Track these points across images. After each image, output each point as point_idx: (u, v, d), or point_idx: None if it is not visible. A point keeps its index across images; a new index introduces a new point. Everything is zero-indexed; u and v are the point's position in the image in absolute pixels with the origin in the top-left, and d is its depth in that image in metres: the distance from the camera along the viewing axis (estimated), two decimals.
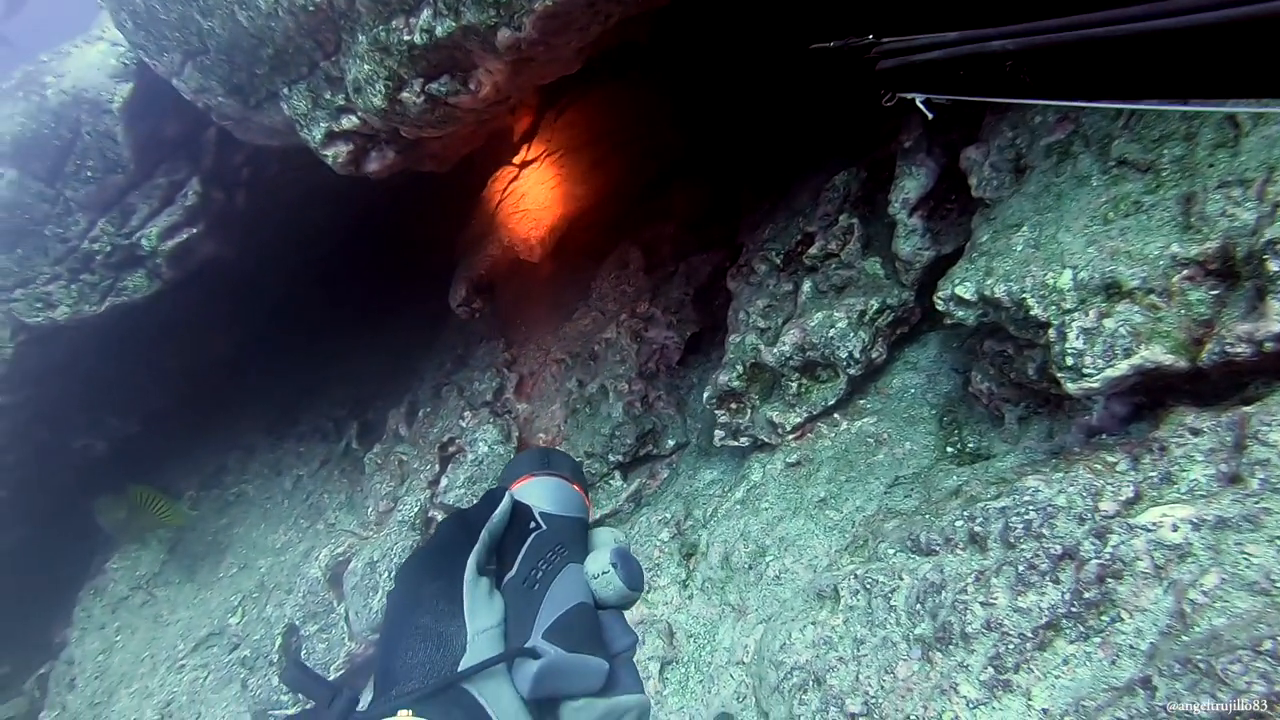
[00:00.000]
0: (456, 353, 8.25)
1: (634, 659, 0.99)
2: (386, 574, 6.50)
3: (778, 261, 5.29)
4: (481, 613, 0.90)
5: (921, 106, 3.41)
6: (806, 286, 5.00)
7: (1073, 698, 2.39)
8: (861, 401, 4.79)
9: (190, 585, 9.80)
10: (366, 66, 4.11)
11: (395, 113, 4.23)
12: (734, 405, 5.18)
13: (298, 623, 7.18)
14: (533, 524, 1.06)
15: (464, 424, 6.83)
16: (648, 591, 5.29)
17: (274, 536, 8.95)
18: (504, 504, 1.04)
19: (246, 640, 8.01)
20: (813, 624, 3.79)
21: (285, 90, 4.65)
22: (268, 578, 8.45)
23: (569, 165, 7.95)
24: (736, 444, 5.28)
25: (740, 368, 5.08)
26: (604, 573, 1.01)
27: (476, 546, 0.97)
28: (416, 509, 6.58)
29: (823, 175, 5.44)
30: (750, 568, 4.66)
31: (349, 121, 4.58)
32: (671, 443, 6.23)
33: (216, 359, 10.24)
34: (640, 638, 5.01)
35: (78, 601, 11.41)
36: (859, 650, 3.35)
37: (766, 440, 5.06)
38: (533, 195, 7.79)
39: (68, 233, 6.33)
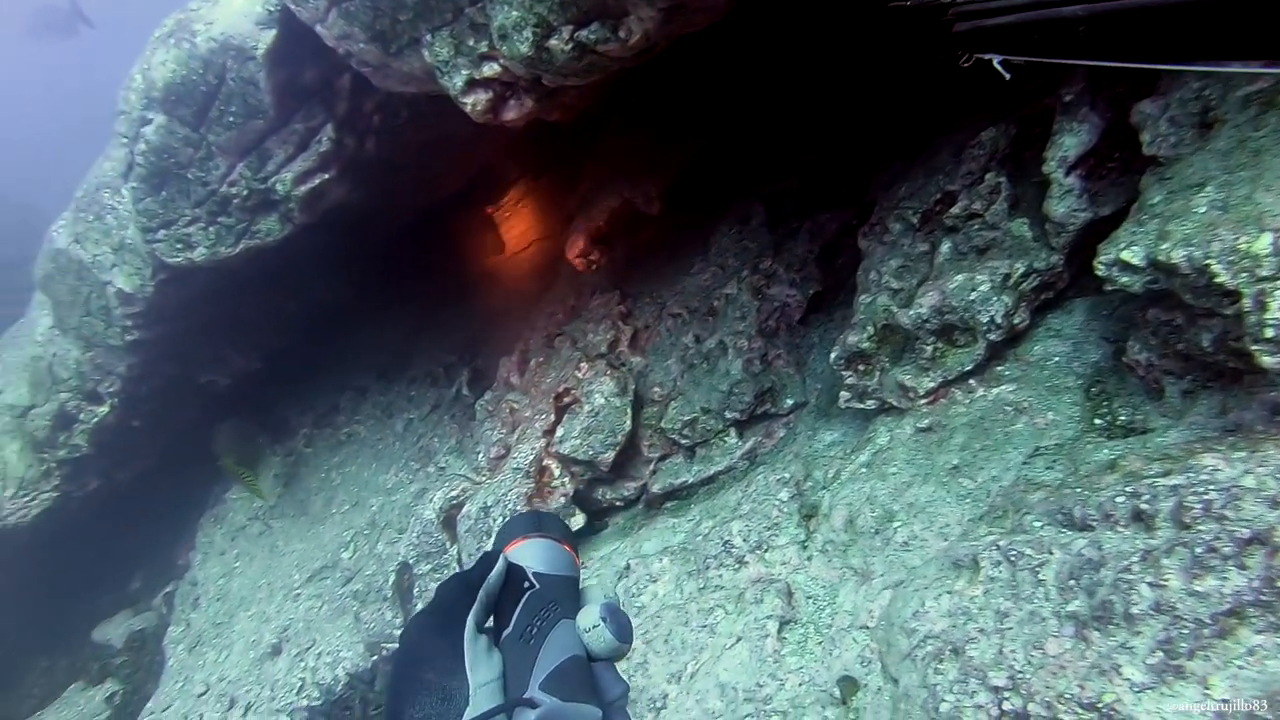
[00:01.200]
0: (569, 303, 8.29)
1: (626, 707, 1.07)
2: (500, 519, 6.65)
3: (914, 221, 5.12)
4: (482, 667, 0.99)
5: (999, 67, 3.43)
6: (945, 247, 4.83)
7: (1261, 690, 2.28)
8: (1000, 368, 4.63)
9: (304, 519, 10.24)
10: (515, 13, 4.09)
11: (541, 60, 4.21)
12: (862, 367, 5.08)
13: (410, 561, 7.43)
14: (527, 583, 1.14)
15: (580, 375, 6.88)
16: (765, 551, 5.29)
17: (385, 477, 9.25)
18: (499, 566, 1.13)
19: (359, 575, 8.34)
20: (948, 593, 3.72)
21: (428, 37, 4.68)
22: (379, 516, 8.76)
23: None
24: (862, 406, 5.19)
25: (871, 329, 4.96)
26: (595, 626, 1.09)
27: (475, 606, 1.05)
28: (531, 457, 6.69)
29: (965, 132, 5.22)
30: (876, 532, 4.59)
31: (490, 69, 4.59)
32: (790, 402, 6.16)
33: (333, 301, 10.57)
34: (759, 597, 5.03)
35: (200, 528, 12.08)
36: (1002, 623, 3.26)
37: (895, 404, 4.95)
38: (650, 148, 7.71)
39: (208, 176, 6.56)
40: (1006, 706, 2.97)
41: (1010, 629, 3.20)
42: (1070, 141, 4.23)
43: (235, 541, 11.10)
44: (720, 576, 5.41)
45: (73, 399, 10.26)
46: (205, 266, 7.32)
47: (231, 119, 6.11)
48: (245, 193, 6.55)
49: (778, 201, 6.73)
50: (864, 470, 4.95)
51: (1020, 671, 3.03)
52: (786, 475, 5.57)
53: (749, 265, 6.57)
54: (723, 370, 6.29)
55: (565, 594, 1.17)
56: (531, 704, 0.95)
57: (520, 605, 1.09)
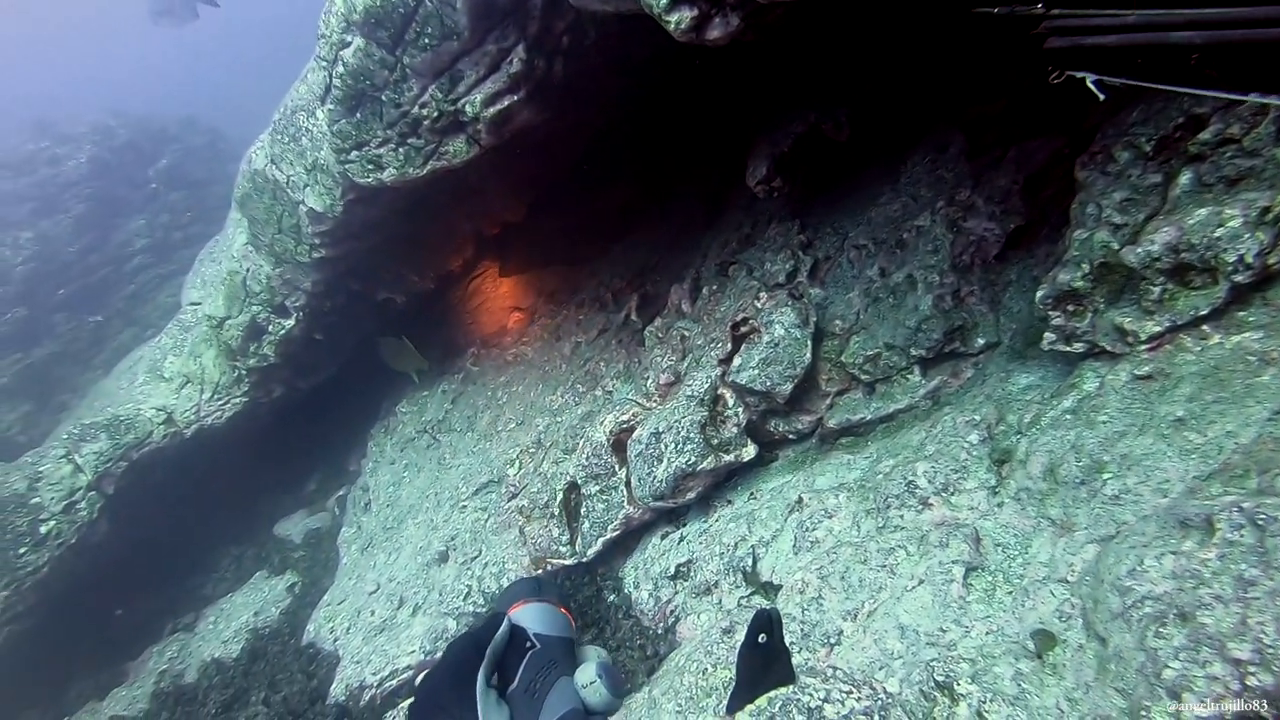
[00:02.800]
0: (743, 231, 8.14)
1: None
2: (672, 445, 6.69)
3: (1147, 149, 4.66)
4: (492, 717, 1.08)
5: (1093, 88, 3.34)
6: (1185, 178, 4.37)
7: None
8: (1242, 314, 4.19)
9: (471, 434, 10.68)
10: None
11: None
12: (1072, 307, 4.72)
13: (579, 481, 7.61)
14: (529, 643, 1.24)
15: (759, 305, 6.76)
16: (951, 494, 5.09)
17: (551, 398, 9.48)
18: (504, 628, 1.26)
19: (524, 491, 8.62)
20: (1173, 553, 3.45)
21: None
22: (545, 436, 9.00)
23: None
24: (1068, 349, 4.85)
25: (1086, 266, 4.60)
26: (591, 683, 1.35)
27: (484, 663, 1.14)
28: (706, 385, 6.66)
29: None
30: (1081, 483, 4.31)
31: None
32: (981, 341, 5.85)
33: (505, 224, 10.80)
34: (944, 540, 4.86)
35: (371, 437, 12.83)
36: (1245, 592, 3.00)
37: (1109, 348, 4.59)
38: (839, 71, 7.34)
39: (401, 98, 6.72)
40: (1252, 682, 2.74)
41: (1258, 599, 2.93)
42: None
43: (404, 452, 11.74)
44: (901, 517, 5.26)
45: (263, 311, 11.00)
46: (392, 188, 7.56)
47: (427, 41, 6.21)
48: (435, 114, 6.69)
49: (979, 128, 6.29)
50: (1068, 417, 4.65)
51: (1271, 646, 2.78)
52: (976, 418, 5.32)
53: (944, 197, 6.21)
54: (910, 305, 6.02)
55: (563, 654, 1.34)
56: None
57: (524, 663, 1.28)
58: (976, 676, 3.92)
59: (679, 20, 4.61)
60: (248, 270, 10.72)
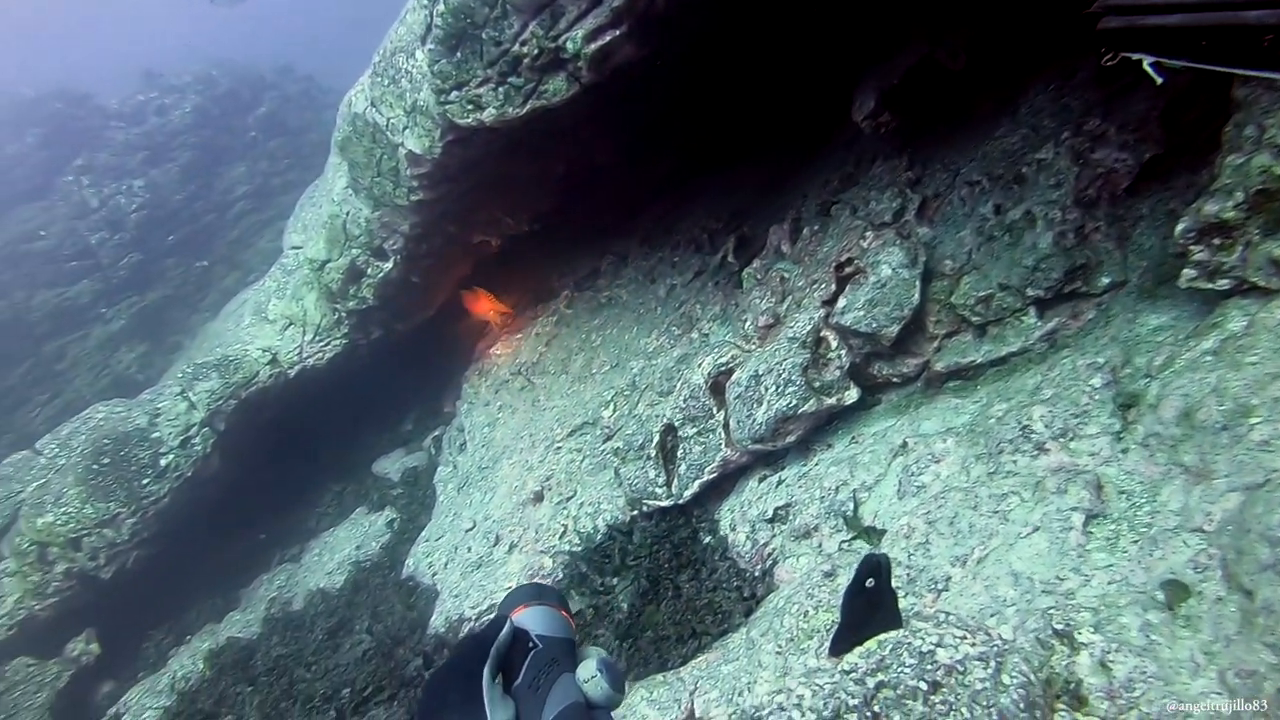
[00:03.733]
0: (845, 170, 7.87)
1: None
2: (773, 388, 6.57)
3: None
4: (499, 710, 1.17)
5: (1150, 70, 3.25)
6: None
7: None
8: None
9: (565, 377, 10.72)
10: None
11: None
12: (1219, 240, 4.39)
13: (676, 423, 7.57)
14: (531, 644, 1.33)
15: (864, 244, 6.53)
16: (1070, 439, 4.86)
17: (646, 340, 9.41)
18: (506, 629, 1.33)
19: (619, 433, 8.62)
20: None
21: None
22: (639, 378, 8.96)
23: None
24: (1210, 286, 4.53)
25: (1240, 195, 4.25)
26: (592, 677, 1.29)
27: (489, 660, 1.24)
28: (809, 327, 6.50)
29: None
30: (1223, 428, 4.05)
31: None
32: (1105, 280, 5.52)
33: (599, 165, 10.69)
34: (1062, 487, 4.66)
35: (466, 379, 13.01)
36: None
37: (1261, 284, 4.26)
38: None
39: (502, 36, 6.64)
40: None
41: None
42: None
43: (499, 394, 11.89)
44: (1015, 462, 5.06)
45: (362, 255, 11.20)
46: (490, 128, 7.53)
47: None
48: (536, 52, 6.59)
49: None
50: (1209, 358, 4.36)
51: None
52: (1100, 360, 5.05)
53: (1069, 127, 5.84)
54: (1028, 244, 5.72)
55: (564, 653, 1.34)
56: None
57: (526, 662, 1.26)
58: (1100, 626, 3.76)
59: None
60: (347, 214, 10.89)
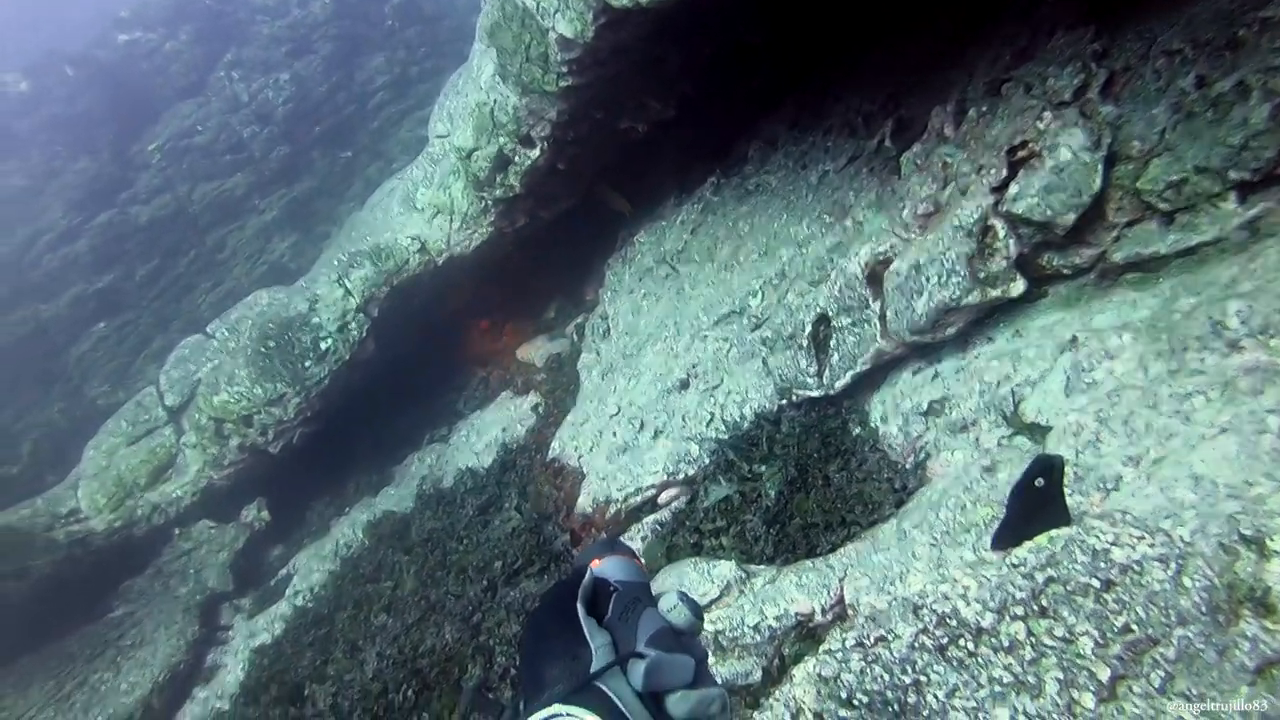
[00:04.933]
0: (1019, 45, 7.31)
1: (709, 668, 1.34)
2: (934, 278, 6.36)
3: None
4: (597, 636, 1.27)
5: None
6: None
7: None
8: None
9: (710, 265, 10.65)
10: None
11: None
12: None
13: (830, 313, 7.46)
14: (612, 588, 1.43)
15: (1041, 126, 6.11)
16: (1272, 336, 4.52)
17: (796, 229, 9.21)
18: (588, 577, 1.44)
19: (767, 322, 8.58)
20: None
21: None
22: (789, 267, 8.82)
23: None
24: None
25: None
26: (674, 607, 1.37)
27: (579, 597, 1.36)
28: (976, 216, 6.22)
29: None
30: None
31: None
32: None
33: (748, 46, 10.32)
34: (1259, 387, 4.36)
35: (609, 267, 13.12)
36: None
37: None
38: None
39: None
40: None
41: None
42: None
43: (643, 282, 11.95)
44: (1202, 360, 4.79)
45: (509, 143, 11.30)
46: (647, 9, 7.34)
47: None
48: None
49: None
50: None
51: None
52: None
53: None
54: (1238, 119, 5.20)
55: (643, 593, 1.45)
56: (641, 655, 1.24)
57: (611, 601, 1.37)
58: None
59: None
60: (495, 101, 10.95)
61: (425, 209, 13.36)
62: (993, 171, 6.28)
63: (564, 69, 9.06)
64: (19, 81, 17.45)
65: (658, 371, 9.93)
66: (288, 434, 13.00)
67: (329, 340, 12.83)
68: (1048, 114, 6.16)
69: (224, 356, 13.66)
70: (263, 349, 13.00)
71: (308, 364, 12.74)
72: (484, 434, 13.14)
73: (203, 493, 13.39)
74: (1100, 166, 5.74)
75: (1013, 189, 6.07)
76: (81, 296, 17.17)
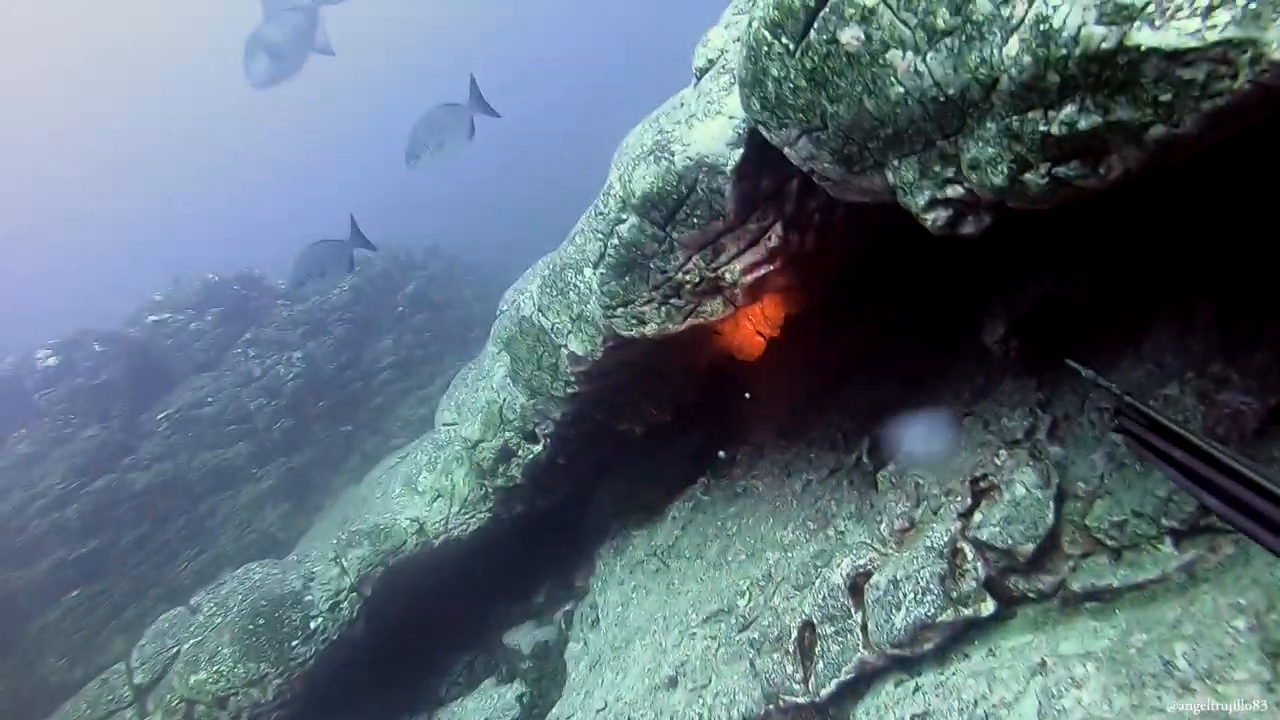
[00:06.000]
0: (976, 382, 8.38)
1: None
2: (911, 595, 6.93)
3: None
4: None
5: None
6: None
7: None
8: None
9: (700, 562, 11.16)
10: (990, 150, 4.47)
11: (1012, 191, 4.54)
12: None
13: (815, 620, 7.92)
14: None
15: (998, 462, 7.00)
16: (1217, 683, 5.04)
17: (782, 533, 9.83)
18: None
19: (755, 623, 8.96)
20: None
21: (895, 162, 5.18)
22: (775, 570, 9.34)
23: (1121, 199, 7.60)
24: None
25: None
26: None
27: None
28: (946, 538, 6.91)
29: None
30: None
31: (954, 191, 4.98)
32: None
33: (741, 364, 11.50)
34: None
35: (600, 556, 13.58)
36: None
37: None
38: (1079, 232, 7.60)
39: (667, 266, 7.62)
40: None
41: None
42: None
43: (633, 574, 12.37)
44: (1160, 699, 5.25)
45: (515, 437, 12.19)
46: (649, 337, 8.46)
47: (695, 221, 7.09)
48: (697, 280, 7.53)
49: (1230, 301, 6.35)
50: None
51: None
52: (1242, 602, 5.29)
53: (1193, 368, 6.28)
54: (1159, 474, 6.06)
55: None
56: None
57: None
58: None
59: (935, 218, 5.16)
60: (504, 400, 11.98)
61: (426, 492, 14.00)
62: (959, 499, 7.07)
63: (572, 378, 10.10)
64: (48, 357, 18.64)
65: (646, 666, 10.11)
66: (263, 719, 12.70)
67: (319, 619, 12.90)
68: (1003, 451, 7.05)
69: (209, 632, 13.59)
70: (251, 625, 13.01)
71: (294, 643, 12.72)
72: None
73: None
74: (1051, 503, 6.53)
75: (977, 516, 6.82)
76: (61, 563, 17.05)
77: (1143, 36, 3.58)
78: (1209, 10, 3.47)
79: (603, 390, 10.58)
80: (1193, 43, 3.51)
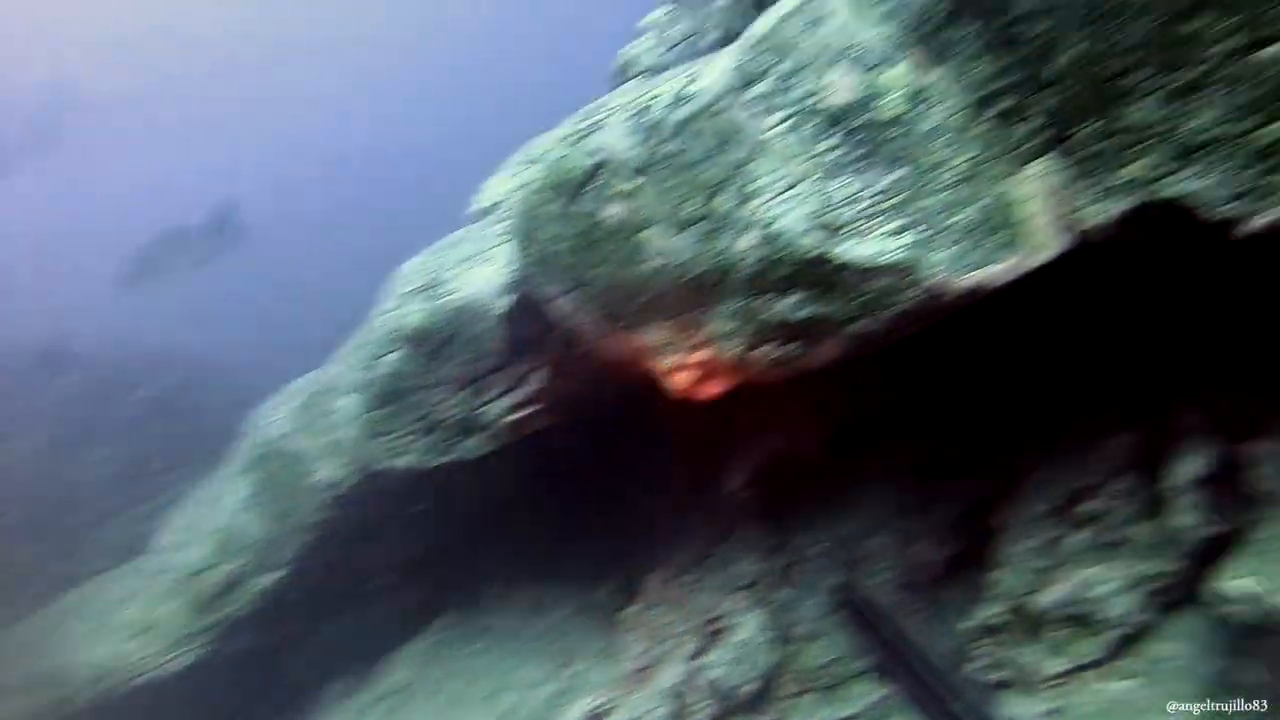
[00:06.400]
0: (717, 529, 9.02)
1: None
2: None
3: (1045, 510, 5.81)
4: None
5: None
6: (1077, 539, 5.49)
7: None
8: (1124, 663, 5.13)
9: (441, 698, 10.83)
10: (729, 325, 5.19)
11: (744, 361, 5.26)
12: (991, 641, 5.68)
13: None
14: None
15: (729, 604, 7.57)
16: None
17: (524, 671, 9.85)
18: None
19: None
20: None
21: (650, 326, 5.81)
22: (517, 708, 9.32)
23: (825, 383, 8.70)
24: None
25: (1001, 606, 5.60)
26: None
27: None
28: (677, 679, 7.32)
29: (1098, 430, 5.91)
30: None
31: (698, 357, 5.65)
32: None
33: (497, 501, 11.60)
34: None
35: (326, 697, 12.78)
36: None
37: (1021, 681, 5.49)
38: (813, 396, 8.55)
39: (430, 400, 7.82)
40: None
41: None
42: (1189, 466, 4.99)
43: (364, 716, 11.69)
44: None
45: (247, 566, 11.41)
46: (404, 472, 8.50)
47: (461, 360, 7.40)
48: (459, 417, 7.76)
49: (918, 464, 7.41)
50: None
51: None
52: None
53: (894, 521, 7.25)
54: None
55: None
56: None
57: None
58: None
59: (678, 380, 5.80)
60: (241, 525, 11.27)
61: (124, 628, 12.57)
62: (693, 640, 7.55)
63: (320, 505, 9.82)
64: None
65: None
66: None
67: None
68: (737, 593, 7.66)
69: None
70: None
71: None
72: None
73: None
74: (775, 644, 7.16)
75: (710, 656, 7.31)
76: None
77: (842, 250, 4.43)
78: (898, 232, 4.38)
79: (350, 521, 10.31)
80: (880, 260, 4.38)
